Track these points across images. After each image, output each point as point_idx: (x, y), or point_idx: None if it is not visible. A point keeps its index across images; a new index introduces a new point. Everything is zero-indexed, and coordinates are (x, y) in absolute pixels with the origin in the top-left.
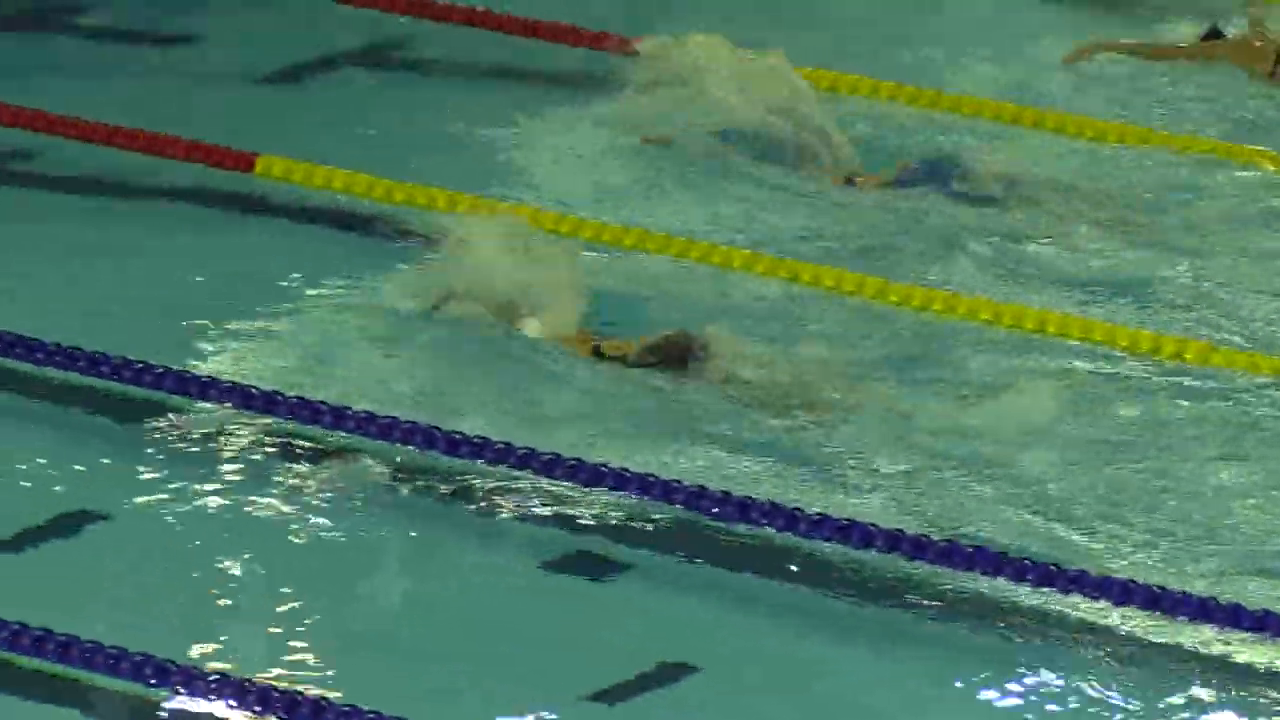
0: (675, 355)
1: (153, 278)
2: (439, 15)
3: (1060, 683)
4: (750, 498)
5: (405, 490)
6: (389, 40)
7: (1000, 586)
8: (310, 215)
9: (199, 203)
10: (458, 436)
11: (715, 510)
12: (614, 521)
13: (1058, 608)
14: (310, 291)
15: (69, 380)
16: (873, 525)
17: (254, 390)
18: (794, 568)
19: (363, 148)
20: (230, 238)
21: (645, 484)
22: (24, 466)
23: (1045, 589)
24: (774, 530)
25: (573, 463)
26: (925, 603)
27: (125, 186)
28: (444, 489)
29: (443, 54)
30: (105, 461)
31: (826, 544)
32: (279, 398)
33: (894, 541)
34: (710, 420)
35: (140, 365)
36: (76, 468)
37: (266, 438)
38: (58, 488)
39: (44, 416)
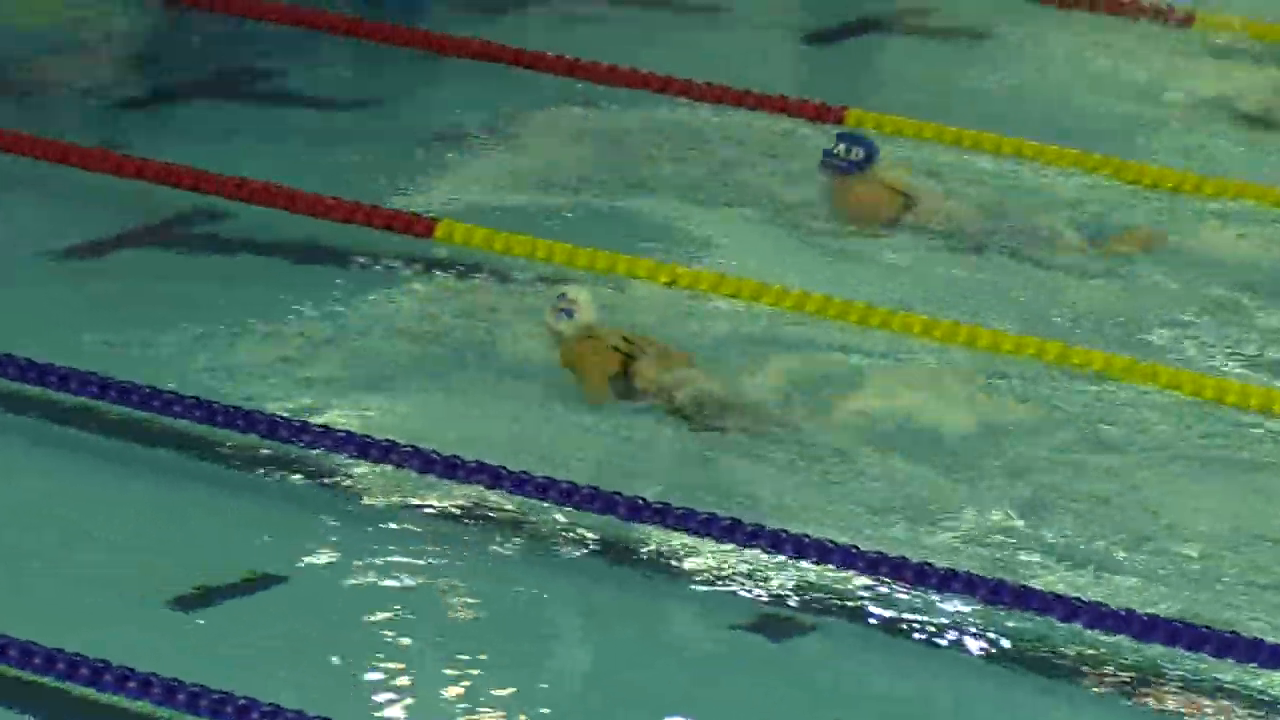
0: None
1: (336, 339)
2: (633, 82)
3: None
4: (953, 570)
5: (578, 553)
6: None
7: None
8: (498, 277)
9: (382, 264)
10: (639, 501)
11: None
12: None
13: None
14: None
15: (248, 442)
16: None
17: (435, 455)
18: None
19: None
20: (412, 300)
21: (824, 550)
22: (206, 526)
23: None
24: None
25: (752, 528)
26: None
27: (305, 248)
28: (616, 552)
29: (633, 117)
30: (286, 522)
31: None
32: (458, 462)
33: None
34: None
35: (320, 428)
36: (257, 528)
37: (447, 502)
38: (239, 548)
39: (226, 478)
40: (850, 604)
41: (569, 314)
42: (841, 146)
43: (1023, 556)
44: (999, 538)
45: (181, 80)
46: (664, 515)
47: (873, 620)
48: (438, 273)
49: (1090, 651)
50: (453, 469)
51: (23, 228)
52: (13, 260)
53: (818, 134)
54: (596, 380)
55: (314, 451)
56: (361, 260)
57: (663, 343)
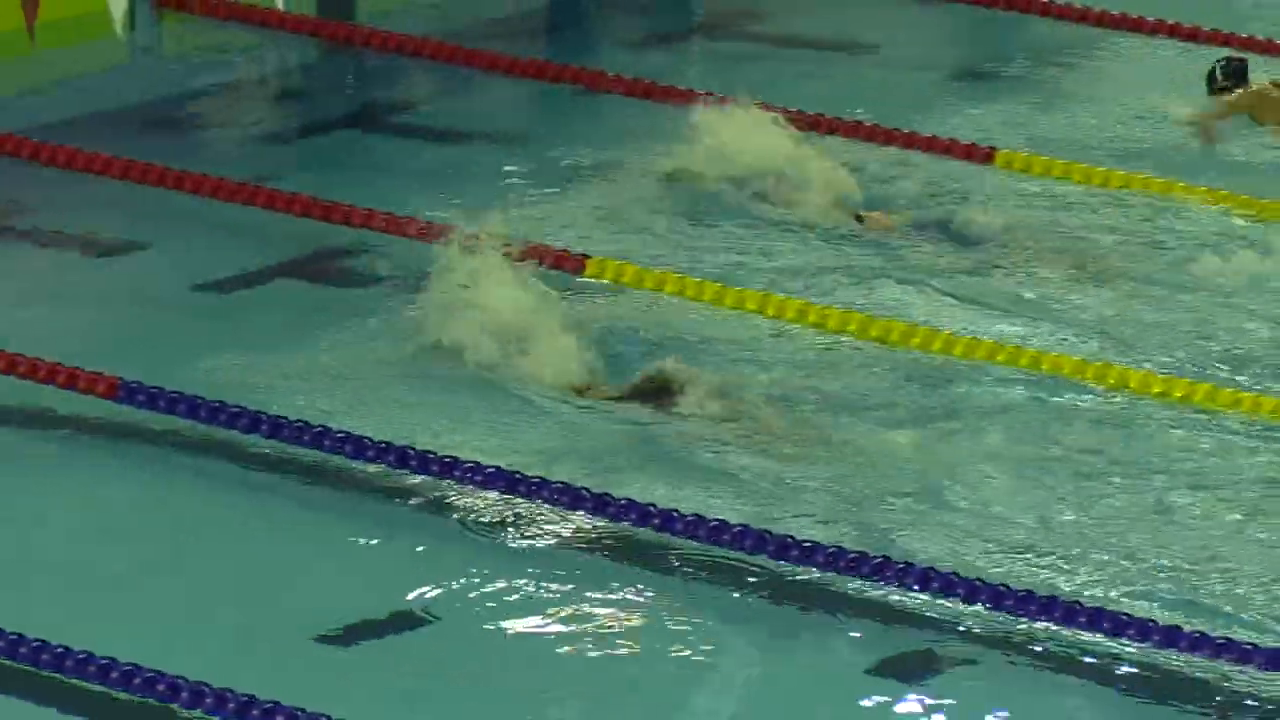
0: (653, 391)
1: (479, 374)
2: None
3: None
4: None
5: (727, 586)
6: None
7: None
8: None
9: None
10: (788, 540)
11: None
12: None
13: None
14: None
15: (391, 475)
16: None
17: (584, 491)
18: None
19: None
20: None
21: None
22: (354, 560)
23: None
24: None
25: (902, 566)
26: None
27: None
28: (769, 591)
29: None
30: (431, 557)
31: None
32: (608, 500)
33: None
34: (689, 451)
35: (469, 464)
36: (406, 563)
37: (602, 539)
38: (386, 582)
39: (374, 512)
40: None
41: None
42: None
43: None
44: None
45: (332, 115)
46: (812, 553)
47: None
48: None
49: None
50: (603, 505)
51: (176, 260)
52: (165, 292)
53: (971, 174)
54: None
55: (456, 484)
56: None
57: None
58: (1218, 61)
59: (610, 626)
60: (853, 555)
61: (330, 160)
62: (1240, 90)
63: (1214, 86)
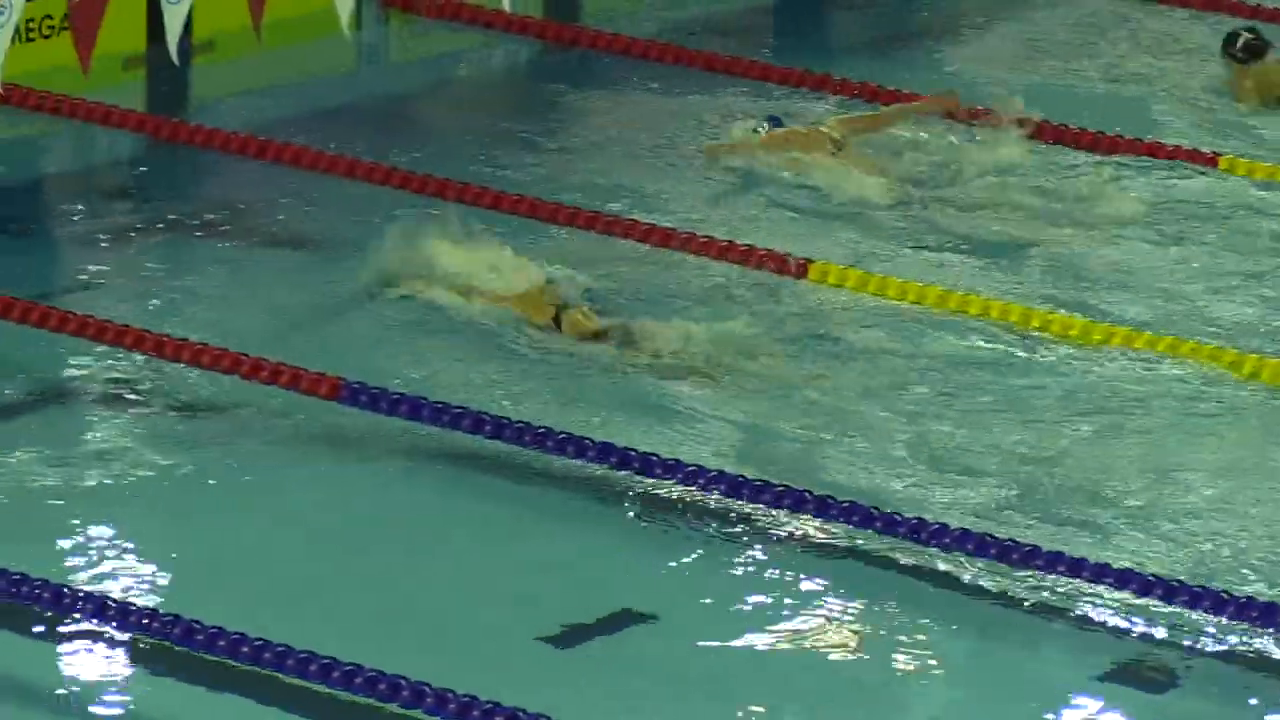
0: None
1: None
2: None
3: None
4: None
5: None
6: None
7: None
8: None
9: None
10: (1010, 542)
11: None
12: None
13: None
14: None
15: (608, 476)
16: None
17: (807, 494)
18: None
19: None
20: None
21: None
22: (573, 563)
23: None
24: None
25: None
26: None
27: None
28: (986, 594)
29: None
30: (649, 559)
31: None
32: (830, 502)
33: None
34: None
35: (691, 467)
36: (620, 567)
37: (820, 540)
38: (602, 585)
39: (592, 514)
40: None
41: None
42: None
43: None
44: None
45: (562, 118)
46: (1032, 556)
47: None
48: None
49: None
50: (825, 508)
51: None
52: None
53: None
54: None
55: (676, 486)
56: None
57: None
58: (1244, 30)
59: (831, 627)
60: (1080, 560)
61: (556, 163)
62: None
63: (1231, 51)
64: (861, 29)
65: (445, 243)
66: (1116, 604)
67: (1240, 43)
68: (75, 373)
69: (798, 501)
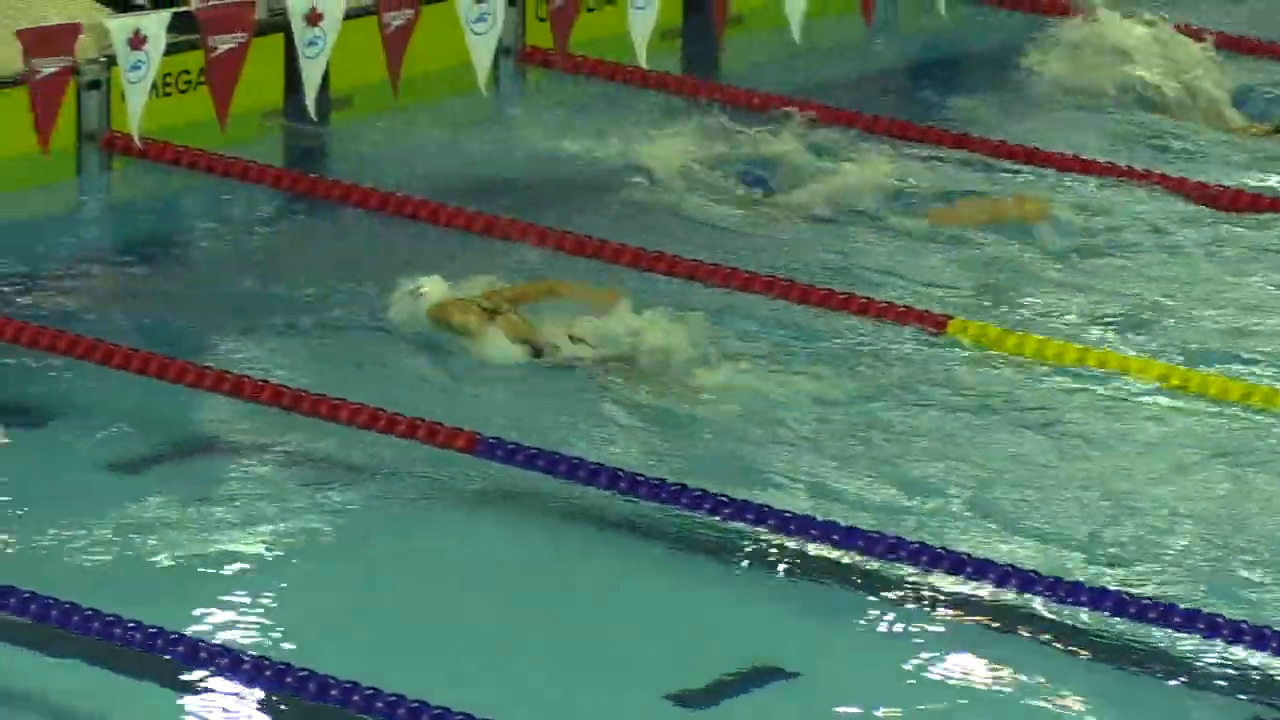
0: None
1: (824, 423)
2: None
3: None
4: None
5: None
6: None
7: None
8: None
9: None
10: (1145, 600)
11: None
12: None
13: None
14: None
15: (749, 535)
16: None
17: (942, 551)
18: None
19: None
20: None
21: None
22: (714, 619)
23: None
24: None
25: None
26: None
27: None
28: (1116, 650)
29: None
30: (794, 618)
31: None
32: (964, 559)
33: None
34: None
35: (827, 523)
36: (764, 623)
37: (953, 596)
38: (744, 641)
39: (721, 568)
40: None
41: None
42: None
43: None
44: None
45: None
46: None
47: None
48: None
49: None
50: (960, 565)
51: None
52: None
53: None
54: (459, 316)
55: (814, 543)
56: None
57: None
58: None
59: (965, 680)
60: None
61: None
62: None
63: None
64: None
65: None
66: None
67: None
68: (209, 427)
69: (933, 559)
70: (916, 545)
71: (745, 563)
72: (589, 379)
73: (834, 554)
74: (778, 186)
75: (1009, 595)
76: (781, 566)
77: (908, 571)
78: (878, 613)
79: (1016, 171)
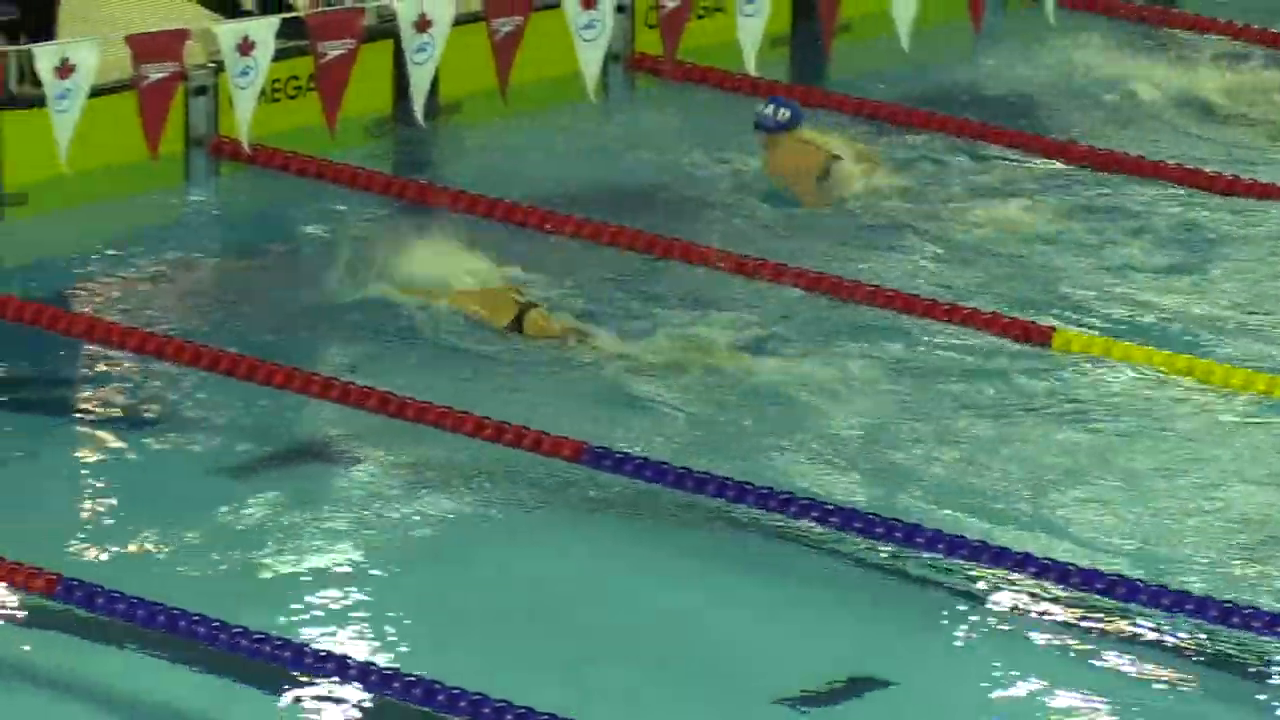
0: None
1: (941, 438)
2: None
3: None
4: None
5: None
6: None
7: None
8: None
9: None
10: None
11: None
12: None
13: None
14: None
15: (859, 544)
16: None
17: (1070, 567)
18: None
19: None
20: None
21: None
22: (817, 628)
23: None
24: None
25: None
26: None
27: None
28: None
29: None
30: (885, 626)
31: None
32: (1096, 574)
33: None
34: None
35: (954, 537)
36: (859, 633)
37: (1071, 612)
38: (847, 650)
39: (842, 578)
40: None
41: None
42: (770, 108)
43: None
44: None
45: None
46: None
47: None
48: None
49: None
50: (1090, 580)
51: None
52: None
53: None
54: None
55: (930, 555)
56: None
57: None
58: None
59: (1069, 702)
60: None
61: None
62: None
63: None
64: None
65: (420, 248)
66: None
67: None
68: (316, 433)
69: (1041, 569)
70: (1022, 555)
71: (849, 570)
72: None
73: (941, 562)
74: (884, 196)
75: (1109, 604)
76: (884, 574)
77: (1013, 580)
78: (977, 619)
79: (1123, 181)
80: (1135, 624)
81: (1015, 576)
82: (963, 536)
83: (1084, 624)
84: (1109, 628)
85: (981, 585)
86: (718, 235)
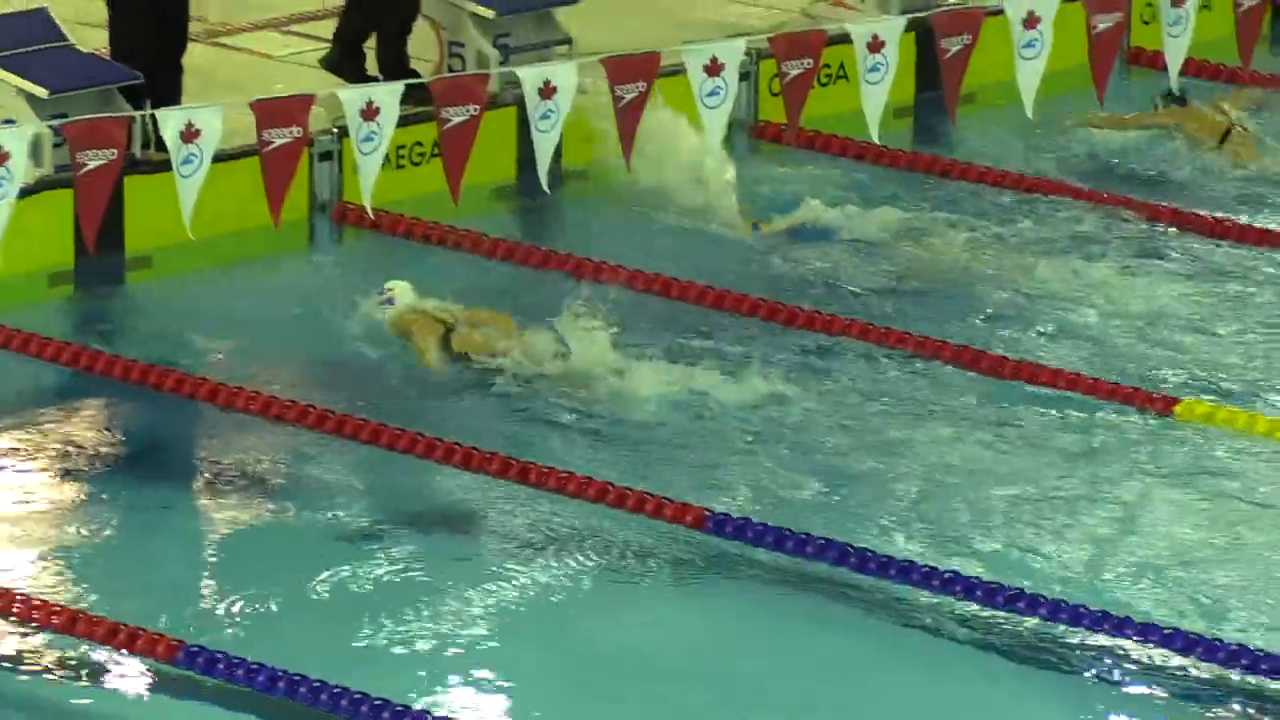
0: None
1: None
2: None
3: None
4: None
5: None
6: None
7: None
8: None
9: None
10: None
11: None
12: None
13: None
14: None
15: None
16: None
17: (1195, 637)
18: None
19: None
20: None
21: None
22: (928, 695)
23: None
24: None
25: None
26: None
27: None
28: None
29: None
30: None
31: None
32: (1218, 646)
33: None
34: None
35: (1029, 595)
36: (979, 698)
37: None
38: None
39: (955, 648)
40: None
41: (390, 302)
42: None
43: None
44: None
45: (906, 249)
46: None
47: None
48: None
49: None
50: (1212, 651)
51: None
52: (764, 428)
53: None
54: (423, 341)
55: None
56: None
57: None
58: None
59: None
60: None
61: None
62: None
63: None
64: None
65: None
66: None
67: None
68: (438, 498)
69: (1163, 639)
70: (1146, 624)
71: (963, 637)
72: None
73: (1066, 631)
74: (1013, 264)
75: (1234, 675)
76: (1032, 651)
77: (1176, 662)
78: (1096, 687)
79: (1247, 252)
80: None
81: (1180, 659)
82: (1127, 617)
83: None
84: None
85: (1134, 665)
86: (839, 305)
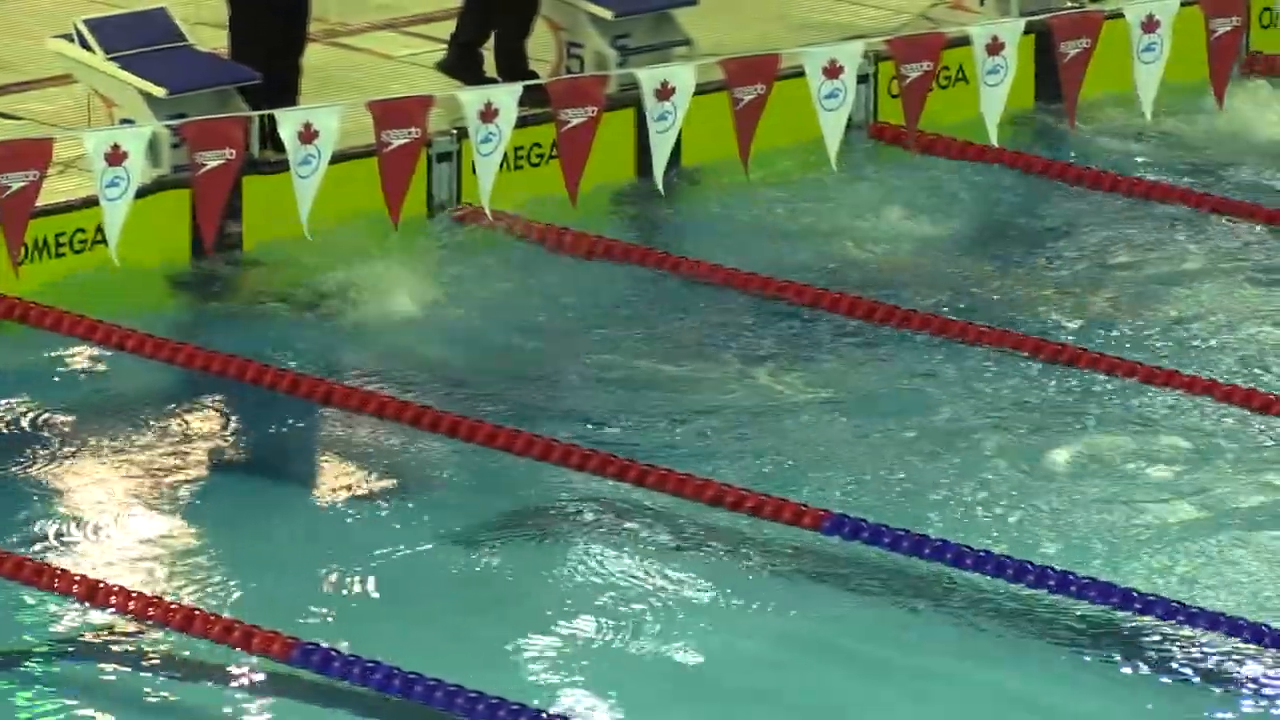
0: None
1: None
2: None
3: None
4: None
5: None
6: None
7: None
8: None
9: None
10: None
11: None
12: None
13: None
14: None
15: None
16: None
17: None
18: None
19: None
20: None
21: None
22: (1053, 703)
23: None
24: None
25: None
26: None
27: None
28: None
29: None
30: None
31: None
32: None
33: None
34: None
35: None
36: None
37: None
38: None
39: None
40: None
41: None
42: None
43: None
44: None
45: (1052, 251)
46: None
47: None
48: None
49: None
50: None
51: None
52: (868, 428)
53: None
54: None
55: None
56: None
57: None
58: None
59: None
60: None
61: None
62: None
63: None
64: None
65: None
66: None
67: None
68: (554, 501)
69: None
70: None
71: (1081, 645)
72: None
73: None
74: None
75: None
76: (1130, 651)
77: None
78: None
79: None
80: None
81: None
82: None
83: None
84: None
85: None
86: (953, 303)
